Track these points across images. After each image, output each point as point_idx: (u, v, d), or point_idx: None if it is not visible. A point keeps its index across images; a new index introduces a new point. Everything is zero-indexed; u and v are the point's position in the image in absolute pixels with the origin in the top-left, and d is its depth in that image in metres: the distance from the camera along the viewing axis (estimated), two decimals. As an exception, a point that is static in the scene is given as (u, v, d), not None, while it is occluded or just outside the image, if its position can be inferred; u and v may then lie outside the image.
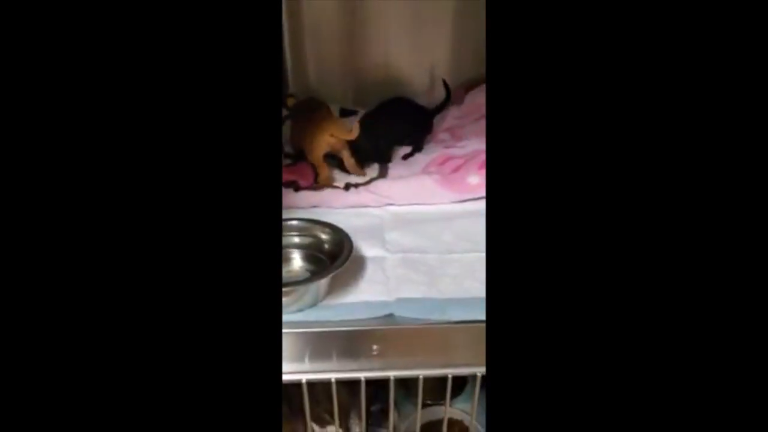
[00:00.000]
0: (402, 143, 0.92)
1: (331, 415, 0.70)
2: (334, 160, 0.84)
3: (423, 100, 1.07)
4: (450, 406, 0.74)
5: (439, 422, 0.71)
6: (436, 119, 1.05)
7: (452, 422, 0.77)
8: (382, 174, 0.85)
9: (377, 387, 0.68)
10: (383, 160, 0.88)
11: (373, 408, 0.73)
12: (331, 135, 0.78)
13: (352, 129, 0.78)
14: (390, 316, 0.55)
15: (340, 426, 0.64)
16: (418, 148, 0.91)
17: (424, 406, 0.73)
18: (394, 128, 0.90)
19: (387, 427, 0.65)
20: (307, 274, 0.61)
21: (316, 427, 0.69)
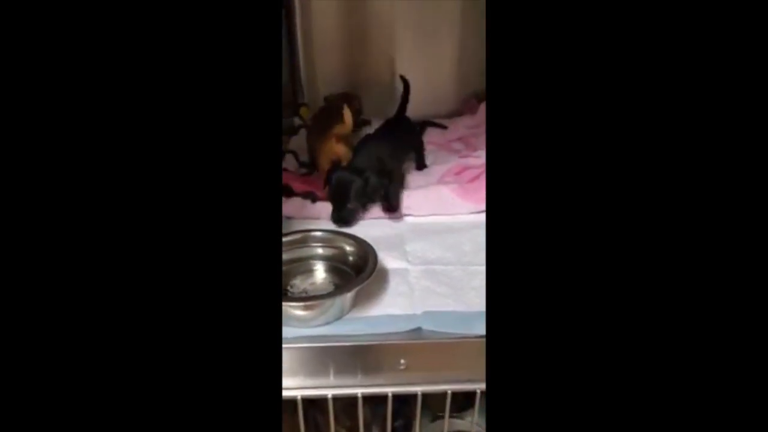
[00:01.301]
0: (406, 154, 0.88)
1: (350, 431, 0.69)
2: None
3: (430, 110, 1.07)
4: (462, 419, 0.73)
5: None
6: (450, 129, 1.04)
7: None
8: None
9: (398, 402, 0.67)
10: (394, 179, 0.79)
11: (396, 424, 0.71)
12: (337, 140, 0.76)
13: (344, 121, 0.75)
14: (417, 329, 0.54)
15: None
16: (420, 158, 0.90)
17: (438, 418, 0.72)
18: (391, 146, 0.81)
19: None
20: (331, 286, 0.60)
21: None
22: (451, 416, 0.71)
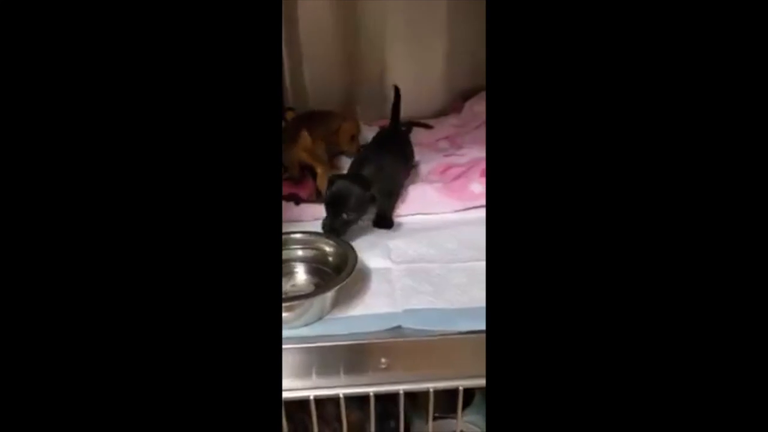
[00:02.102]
0: (404, 168, 0.84)
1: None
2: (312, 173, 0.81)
3: (418, 110, 1.06)
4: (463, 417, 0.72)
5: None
6: (436, 128, 1.04)
7: (463, 436, 0.75)
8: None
9: (387, 402, 0.66)
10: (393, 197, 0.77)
11: (391, 424, 0.71)
12: (303, 149, 0.79)
13: (301, 139, 0.77)
14: (398, 328, 0.54)
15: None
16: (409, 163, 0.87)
17: (434, 419, 0.71)
18: (392, 161, 0.78)
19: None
20: (312, 288, 0.60)
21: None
22: (450, 417, 0.71)
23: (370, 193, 0.66)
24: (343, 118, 0.92)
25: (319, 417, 0.56)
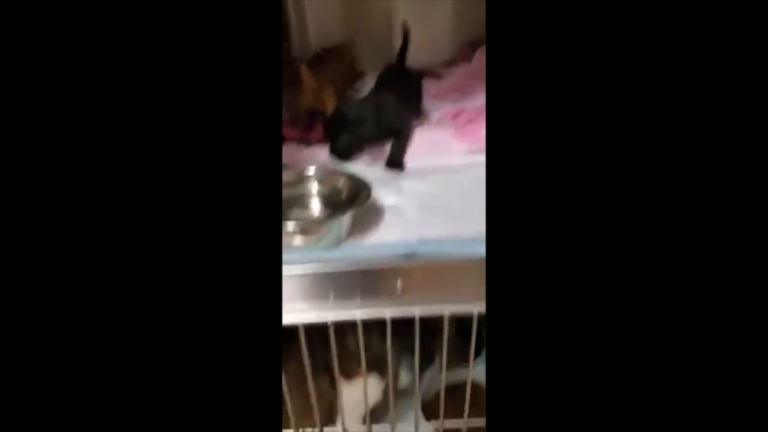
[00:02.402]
0: (411, 107, 0.85)
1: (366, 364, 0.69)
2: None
3: (426, 60, 1.05)
4: (472, 368, 0.73)
5: (461, 385, 0.69)
6: (445, 78, 1.04)
7: (474, 385, 0.75)
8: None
9: (406, 332, 0.67)
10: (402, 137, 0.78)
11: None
12: (310, 92, 0.81)
13: (304, 81, 0.79)
14: (412, 255, 0.55)
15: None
16: (419, 109, 0.88)
17: (447, 369, 0.71)
18: (397, 100, 0.79)
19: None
20: (328, 219, 0.60)
21: (342, 380, 0.68)
22: (464, 367, 0.71)
23: (362, 118, 0.69)
24: (335, 51, 0.93)
25: (339, 347, 0.57)
